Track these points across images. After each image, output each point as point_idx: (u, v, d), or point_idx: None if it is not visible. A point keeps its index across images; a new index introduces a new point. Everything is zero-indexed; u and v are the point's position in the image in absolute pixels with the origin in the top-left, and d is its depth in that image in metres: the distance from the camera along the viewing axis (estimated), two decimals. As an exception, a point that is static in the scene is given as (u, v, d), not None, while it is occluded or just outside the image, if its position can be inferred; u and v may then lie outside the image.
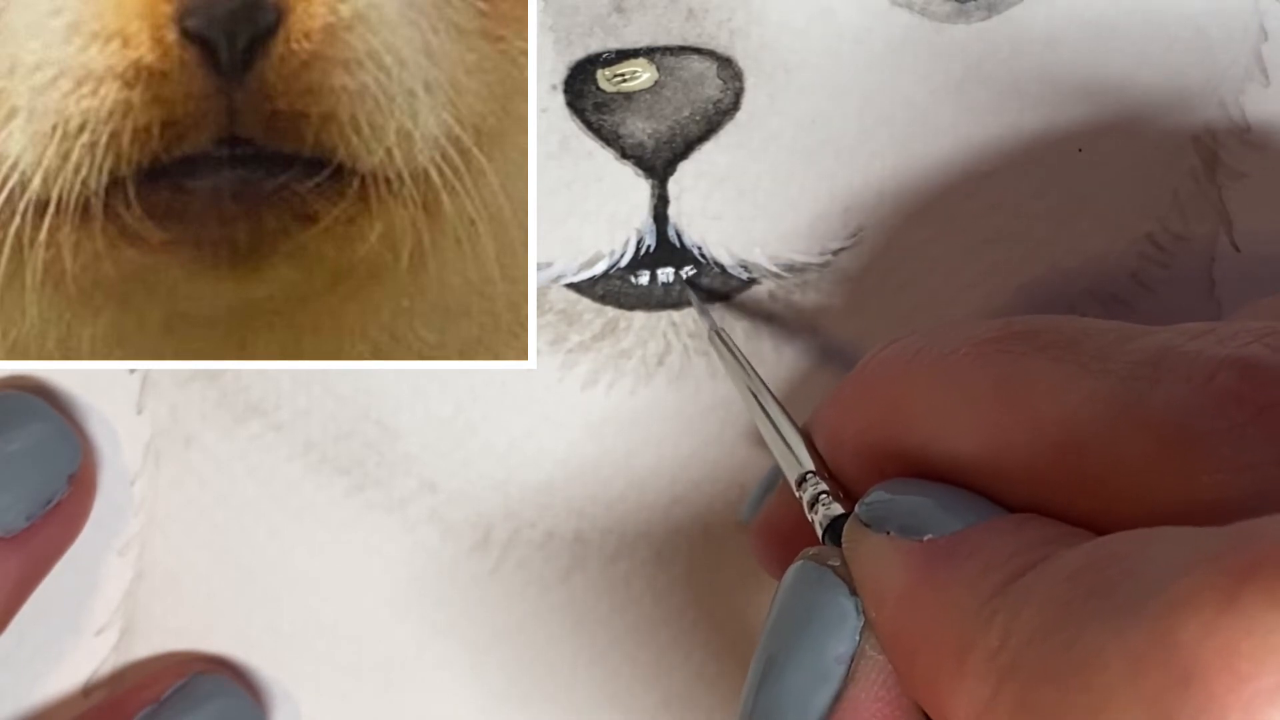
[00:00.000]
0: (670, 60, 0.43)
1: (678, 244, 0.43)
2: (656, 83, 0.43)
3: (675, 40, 0.43)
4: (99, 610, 0.47)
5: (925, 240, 0.44)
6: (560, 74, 0.43)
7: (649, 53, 0.43)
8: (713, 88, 0.43)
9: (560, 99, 0.43)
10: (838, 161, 0.43)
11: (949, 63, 0.44)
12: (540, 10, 0.43)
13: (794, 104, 0.43)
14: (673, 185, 0.43)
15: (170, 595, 0.47)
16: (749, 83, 0.43)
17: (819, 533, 0.37)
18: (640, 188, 0.43)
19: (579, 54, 0.43)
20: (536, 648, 0.46)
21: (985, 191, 0.44)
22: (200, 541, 0.46)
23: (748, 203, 0.43)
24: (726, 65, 0.43)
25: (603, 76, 0.43)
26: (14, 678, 0.46)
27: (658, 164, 0.43)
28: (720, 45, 0.43)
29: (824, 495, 0.37)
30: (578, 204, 0.43)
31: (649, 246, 0.43)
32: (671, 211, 0.43)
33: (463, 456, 0.45)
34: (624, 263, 0.43)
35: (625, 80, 0.43)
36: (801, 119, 0.43)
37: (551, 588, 0.46)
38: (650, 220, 0.43)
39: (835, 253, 0.44)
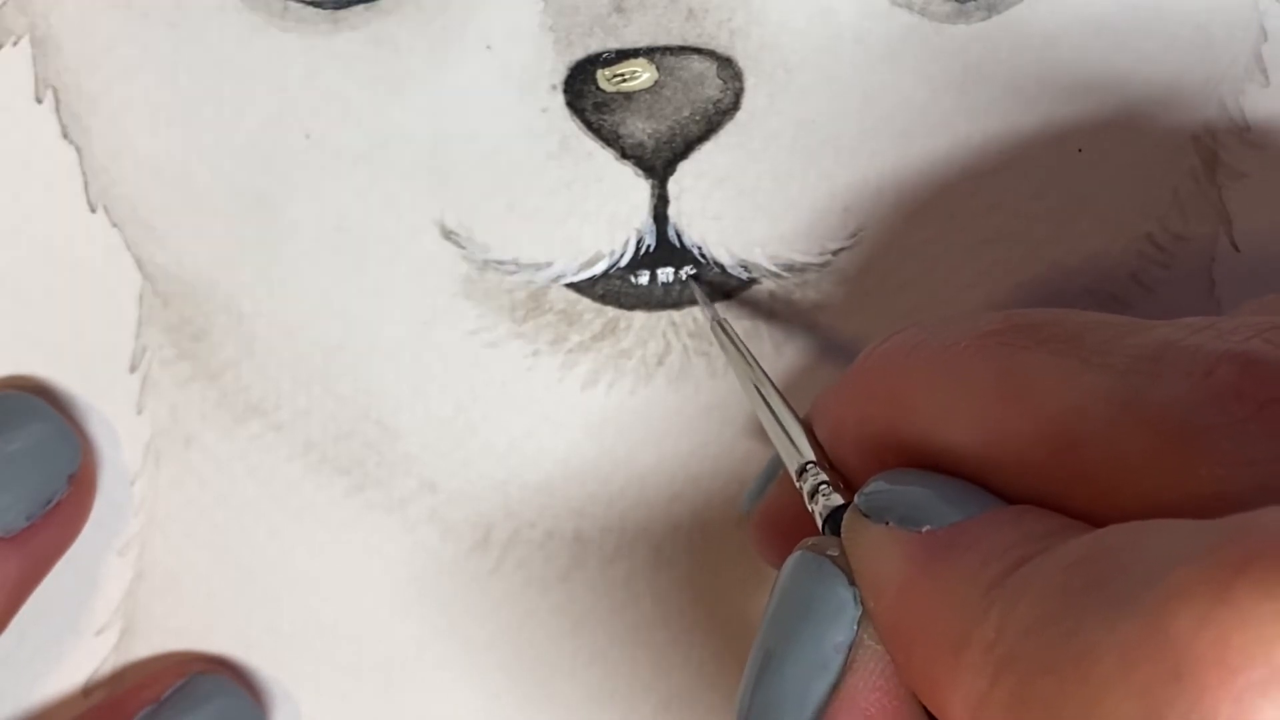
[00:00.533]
0: (670, 60, 0.43)
1: (678, 244, 0.43)
2: (656, 83, 0.43)
3: (675, 40, 0.43)
4: (99, 610, 0.47)
5: (925, 240, 0.44)
6: (560, 74, 0.43)
7: (649, 53, 0.43)
8: (713, 88, 0.43)
9: (560, 99, 0.43)
10: (837, 161, 0.44)
11: (949, 63, 0.44)
12: (540, 11, 0.43)
13: (794, 104, 0.43)
14: (673, 185, 0.43)
15: (170, 595, 0.47)
16: (749, 83, 0.43)
17: (819, 523, 0.37)
18: (640, 188, 0.43)
19: (579, 54, 0.43)
20: (536, 648, 0.46)
21: (985, 191, 0.44)
22: (200, 541, 0.46)
23: (748, 203, 0.43)
24: (726, 65, 0.43)
25: (603, 76, 0.43)
26: (14, 678, 0.46)
27: (658, 164, 0.43)
28: (720, 45, 0.43)
29: (824, 485, 0.37)
30: (578, 204, 0.43)
31: (649, 246, 0.43)
32: (671, 211, 0.43)
33: (463, 456, 0.45)
34: (624, 263, 0.43)
35: (625, 80, 0.43)
36: (801, 119, 0.43)
37: (551, 588, 0.46)
38: (650, 220, 0.43)
39: (835, 253, 0.44)
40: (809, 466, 0.38)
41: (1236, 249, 0.46)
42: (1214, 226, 0.46)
